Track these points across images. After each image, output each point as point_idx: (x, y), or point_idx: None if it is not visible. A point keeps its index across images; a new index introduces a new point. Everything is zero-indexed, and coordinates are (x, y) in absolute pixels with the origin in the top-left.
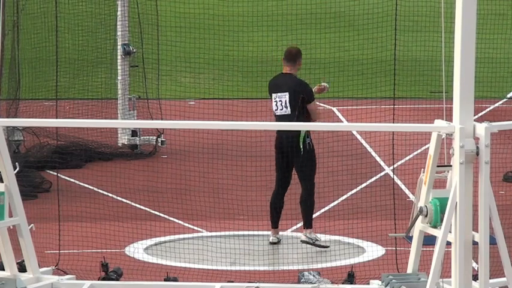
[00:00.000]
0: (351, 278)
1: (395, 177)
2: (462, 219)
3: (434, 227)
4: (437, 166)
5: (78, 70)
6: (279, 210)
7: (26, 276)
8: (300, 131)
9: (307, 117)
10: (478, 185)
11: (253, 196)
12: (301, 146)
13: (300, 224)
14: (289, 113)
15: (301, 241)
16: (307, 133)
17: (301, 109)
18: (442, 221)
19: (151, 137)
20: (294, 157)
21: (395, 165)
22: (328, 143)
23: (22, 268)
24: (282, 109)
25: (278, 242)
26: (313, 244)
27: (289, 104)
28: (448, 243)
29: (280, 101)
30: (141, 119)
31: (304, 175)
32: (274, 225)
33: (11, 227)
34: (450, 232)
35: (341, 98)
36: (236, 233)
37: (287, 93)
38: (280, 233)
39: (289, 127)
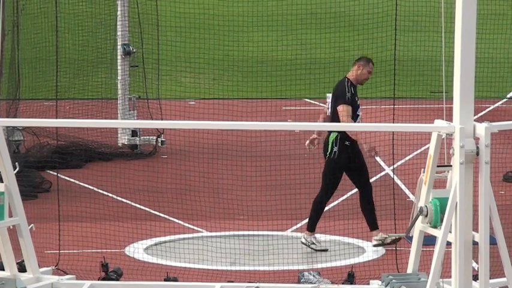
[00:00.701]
0: (351, 278)
1: (395, 177)
2: (462, 219)
3: (434, 227)
4: (437, 166)
5: (78, 70)
6: (371, 212)
7: (26, 276)
8: (329, 136)
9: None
10: (478, 185)
11: (253, 196)
12: (329, 152)
13: (300, 225)
14: (330, 114)
15: (301, 242)
16: (337, 141)
17: (334, 111)
18: (442, 221)
19: (151, 137)
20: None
21: (395, 165)
22: None
23: (22, 268)
24: (328, 110)
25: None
26: (309, 247)
27: (331, 105)
28: (448, 243)
29: (327, 102)
30: (141, 119)
31: (322, 180)
32: (370, 229)
33: (11, 227)
34: (450, 232)
35: None
36: (236, 233)
37: (331, 95)
38: (280, 233)
39: (286, 127)
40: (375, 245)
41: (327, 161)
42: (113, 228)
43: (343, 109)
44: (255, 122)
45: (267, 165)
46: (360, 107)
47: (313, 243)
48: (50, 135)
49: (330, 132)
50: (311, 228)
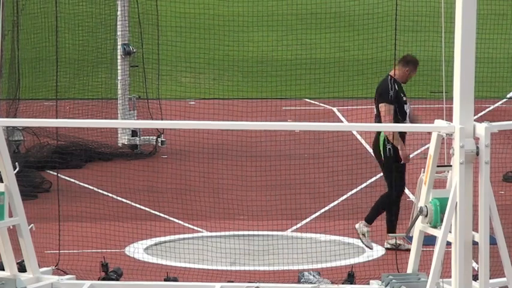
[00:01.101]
0: (351, 278)
1: None
2: (462, 219)
3: (434, 227)
4: (437, 166)
5: (78, 70)
6: (393, 213)
7: (26, 276)
8: (379, 135)
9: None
10: (478, 185)
11: (253, 196)
12: (382, 152)
13: (300, 225)
14: (376, 112)
15: (356, 227)
16: (387, 138)
17: (378, 108)
18: (442, 221)
19: (151, 137)
20: (380, 161)
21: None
22: (328, 143)
23: (22, 268)
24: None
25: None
26: (360, 236)
27: (375, 102)
28: (448, 243)
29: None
30: (141, 119)
31: (385, 181)
32: (387, 229)
33: (11, 227)
34: (450, 232)
35: (341, 98)
36: (236, 233)
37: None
38: (280, 233)
39: (286, 127)
40: (386, 248)
41: (384, 161)
42: (113, 228)
43: (383, 108)
44: (255, 122)
45: (267, 165)
46: (409, 104)
47: (364, 236)
48: (50, 135)
49: (378, 132)
50: (369, 220)
